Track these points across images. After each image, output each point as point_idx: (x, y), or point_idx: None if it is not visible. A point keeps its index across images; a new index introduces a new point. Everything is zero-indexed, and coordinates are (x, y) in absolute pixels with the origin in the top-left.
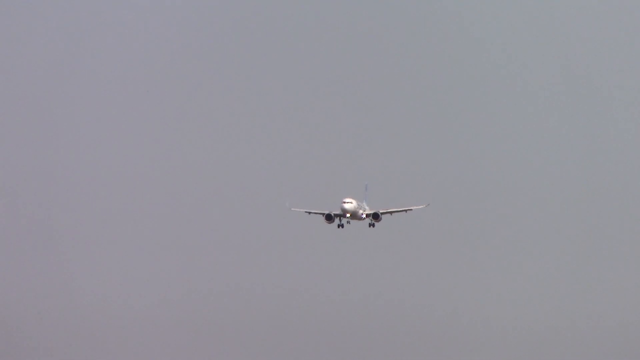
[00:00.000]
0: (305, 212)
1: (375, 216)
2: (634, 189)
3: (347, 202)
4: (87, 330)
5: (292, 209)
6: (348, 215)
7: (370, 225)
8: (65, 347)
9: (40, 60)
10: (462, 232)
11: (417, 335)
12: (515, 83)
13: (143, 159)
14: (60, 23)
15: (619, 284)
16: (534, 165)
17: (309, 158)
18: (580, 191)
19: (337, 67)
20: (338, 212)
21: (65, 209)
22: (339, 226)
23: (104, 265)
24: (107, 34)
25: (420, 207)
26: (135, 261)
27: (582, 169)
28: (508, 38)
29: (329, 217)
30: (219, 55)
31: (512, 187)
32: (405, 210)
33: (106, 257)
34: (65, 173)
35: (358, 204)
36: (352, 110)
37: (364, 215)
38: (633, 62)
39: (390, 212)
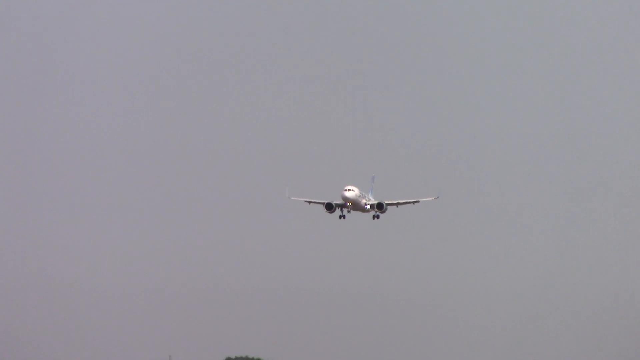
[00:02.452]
0: (306, 201)
1: (380, 207)
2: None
3: (349, 190)
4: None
5: (292, 197)
6: (349, 204)
7: (374, 217)
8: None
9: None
10: (471, 225)
11: (416, 325)
12: (522, 78)
13: (143, 149)
14: (59, 21)
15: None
16: (541, 157)
17: (312, 146)
18: (582, 189)
19: (341, 54)
20: (339, 201)
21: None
22: (340, 217)
23: (100, 256)
24: (105, 33)
25: (428, 199)
26: (135, 248)
27: (584, 165)
28: (514, 29)
29: (330, 207)
30: (219, 45)
31: (520, 180)
32: (413, 202)
33: (105, 250)
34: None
35: (361, 193)
36: (360, 99)
37: (368, 206)
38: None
39: (397, 204)
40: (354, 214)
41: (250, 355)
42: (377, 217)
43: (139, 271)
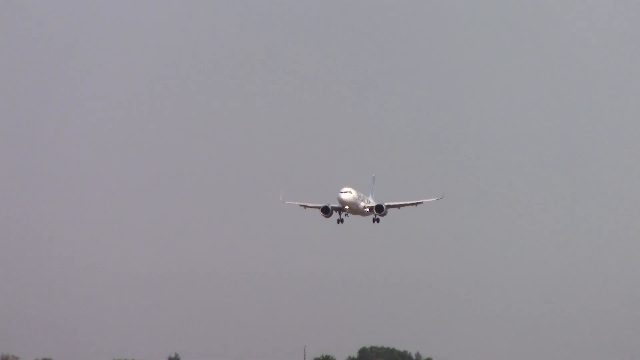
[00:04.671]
0: (301, 205)
1: (379, 209)
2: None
3: (345, 192)
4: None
5: (286, 201)
6: (346, 207)
7: (374, 220)
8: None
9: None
10: (477, 227)
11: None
12: (527, 77)
13: (141, 154)
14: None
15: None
16: (549, 157)
17: (308, 145)
18: (589, 189)
19: (338, 50)
20: (336, 204)
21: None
22: (338, 221)
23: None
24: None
25: (432, 200)
26: (128, 261)
27: (591, 165)
28: (520, 27)
29: (326, 210)
30: (211, 47)
31: (527, 180)
32: (415, 204)
33: (103, 244)
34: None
35: (359, 195)
36: (358, 95)
37: (367, 209)
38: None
39: (398, 206)
40: (353, 217)
41: (385, 346)
42: (377, 220)
43: (272, 264)
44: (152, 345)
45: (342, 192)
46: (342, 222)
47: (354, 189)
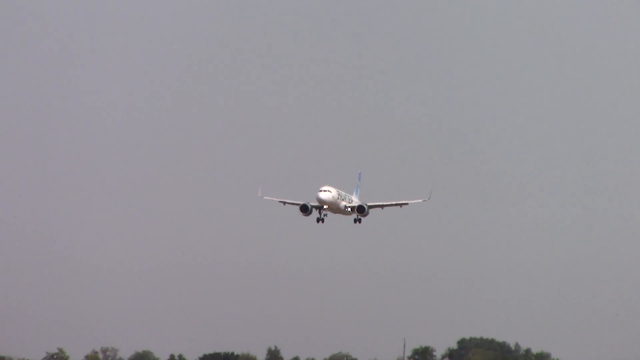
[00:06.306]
0: (280, 201)
1: (361, 210)
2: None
3: (324, 191)
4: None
5: (265, 197)
6: (325, 206)
7: (355, 220)
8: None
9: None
10: (465, 231)
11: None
12: (519, 73)
13: (123, 155)
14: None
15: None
16: (542, 157)
17: (291, 141)
18: (583, 191)
19: (323, 44)
20: (315, 203)
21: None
22: (318, 220)
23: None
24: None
25: (417, 201)
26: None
27: (586, 166)
28: (508, 33)
29: (305, 209)
30: (195, 44)
31: (519, 180)
32: (400, 205)
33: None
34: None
35: (339, 194)
36: (343, 91)
37: (348, 209)
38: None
39: (381, 206)
40: (334, 216)
41: (484, 337)
42: (359, 220)
43: (367, 259)
44: (252, 338)
45: (321, 191)
46: (322, 222)
47: (336, 187)
